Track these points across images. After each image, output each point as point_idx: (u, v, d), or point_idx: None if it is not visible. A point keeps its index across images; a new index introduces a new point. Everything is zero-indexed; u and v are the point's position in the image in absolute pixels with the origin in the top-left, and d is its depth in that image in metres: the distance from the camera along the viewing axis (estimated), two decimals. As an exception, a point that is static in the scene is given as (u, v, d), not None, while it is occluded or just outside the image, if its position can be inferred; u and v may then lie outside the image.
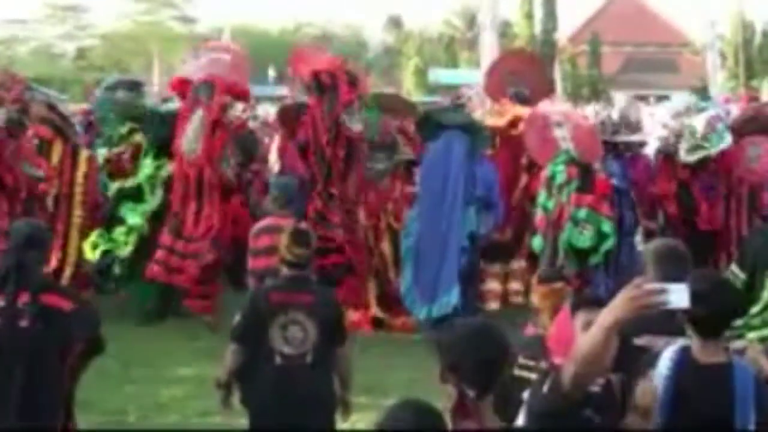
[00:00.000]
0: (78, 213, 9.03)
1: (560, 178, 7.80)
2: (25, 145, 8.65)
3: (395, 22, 57.71)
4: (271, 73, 19.18)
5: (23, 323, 3.86)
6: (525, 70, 9.85)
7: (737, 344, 5.09)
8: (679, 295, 2.69)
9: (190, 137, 8.40)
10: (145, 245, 8.68)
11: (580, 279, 7.60)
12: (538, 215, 8.04)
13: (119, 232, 8.75)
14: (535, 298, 4.05)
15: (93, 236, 8.84)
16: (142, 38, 48.04)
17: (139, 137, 9.00)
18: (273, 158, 9.92)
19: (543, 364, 3.72)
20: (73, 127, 9.64)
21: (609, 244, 7.66)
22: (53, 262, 8.67)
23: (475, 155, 8.10)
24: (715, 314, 3.28)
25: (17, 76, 10.26)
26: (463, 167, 7.96)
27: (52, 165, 8.91)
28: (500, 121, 8.96)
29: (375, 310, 8.56)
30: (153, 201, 8.75)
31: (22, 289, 3.91)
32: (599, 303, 3.10)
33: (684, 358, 3.24)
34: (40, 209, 8.59)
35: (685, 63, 47.07)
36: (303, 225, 5.71)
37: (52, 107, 9.33)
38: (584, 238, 7.63)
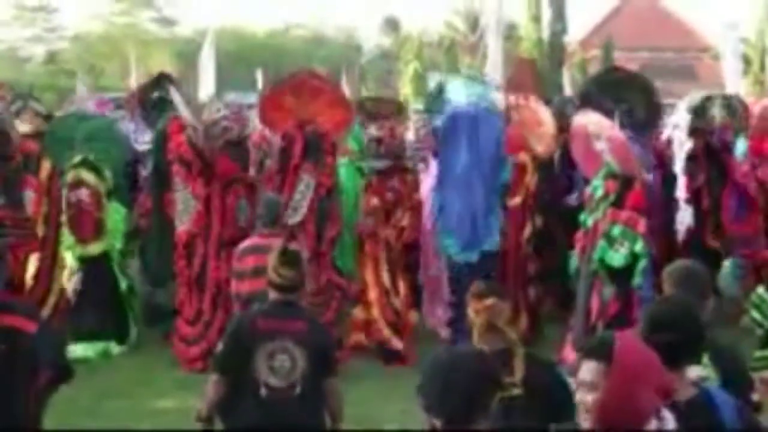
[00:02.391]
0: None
1: (599, 193, 7.87)
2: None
3: (392, 24, 57.87)
4: (259, 78, 19.19)
5: None
6: (526, 80, 9.98)
7: (766, 374, 5.13)
8: None
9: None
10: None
11: (620, 301, 7.62)
12: (579, 234, 8.11)
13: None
14: (470, 313, 4.13)
15: None
16: (118, 41, 48.08)
17: (91, 177, 8.98)
18: None
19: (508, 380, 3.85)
20: None
21: (644, 263, 7.70)
22: (41, 287, 8.69)
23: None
24: (679, 342, 3.34)
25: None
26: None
27: (40, 182, 8.84)
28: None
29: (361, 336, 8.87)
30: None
31: None
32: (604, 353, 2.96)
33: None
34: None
35: (704, 69, 47.20)
36: (293, 244, 5.68)
37: (50, 119, 9.31)
38: (619, 257, 7.65)
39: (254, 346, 4.62)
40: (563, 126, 9.39)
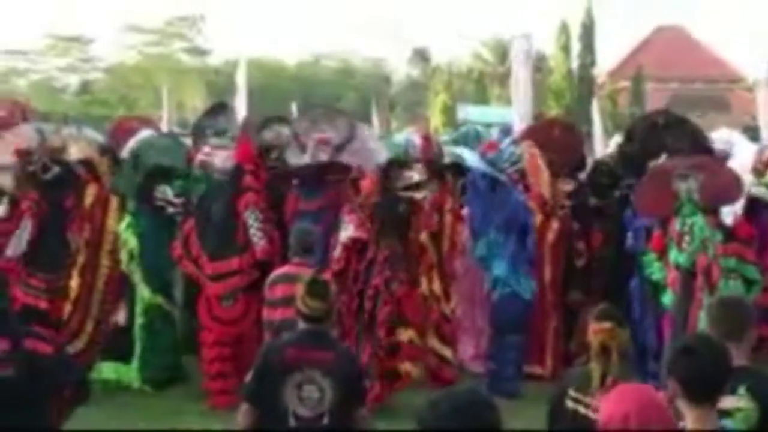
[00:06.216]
0: (106, 263, 8.89)
1: (705, 232, 7.78)
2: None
3: (421, 55, 58.17)
4: (294, 109, 19.41)
5: (7, 372, 3.95)
6: (558, 140, 10.01)
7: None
8: None
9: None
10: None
11: None
12: (671, 274, 8.03)
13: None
14: (589, 333, 4.27)
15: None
16: (151, 71, 48.71)
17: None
18: None
19: (589, 400, 4.01)
20: (116, 174, 9.32)
21: (756, 289, 7.73)
22: (80, 314, 8.71)
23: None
24: (704, 373, 3.34)
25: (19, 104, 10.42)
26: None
27: (84, 208, 8.86)
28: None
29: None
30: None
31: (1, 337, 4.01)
32: None
33: None
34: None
35: (736, 100, 46.97)
36: (323, 275, 5.67)
37: (105, 151, 9.39)
38: (736, 287, 7.67)
39: (283, 376, 4.63)
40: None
